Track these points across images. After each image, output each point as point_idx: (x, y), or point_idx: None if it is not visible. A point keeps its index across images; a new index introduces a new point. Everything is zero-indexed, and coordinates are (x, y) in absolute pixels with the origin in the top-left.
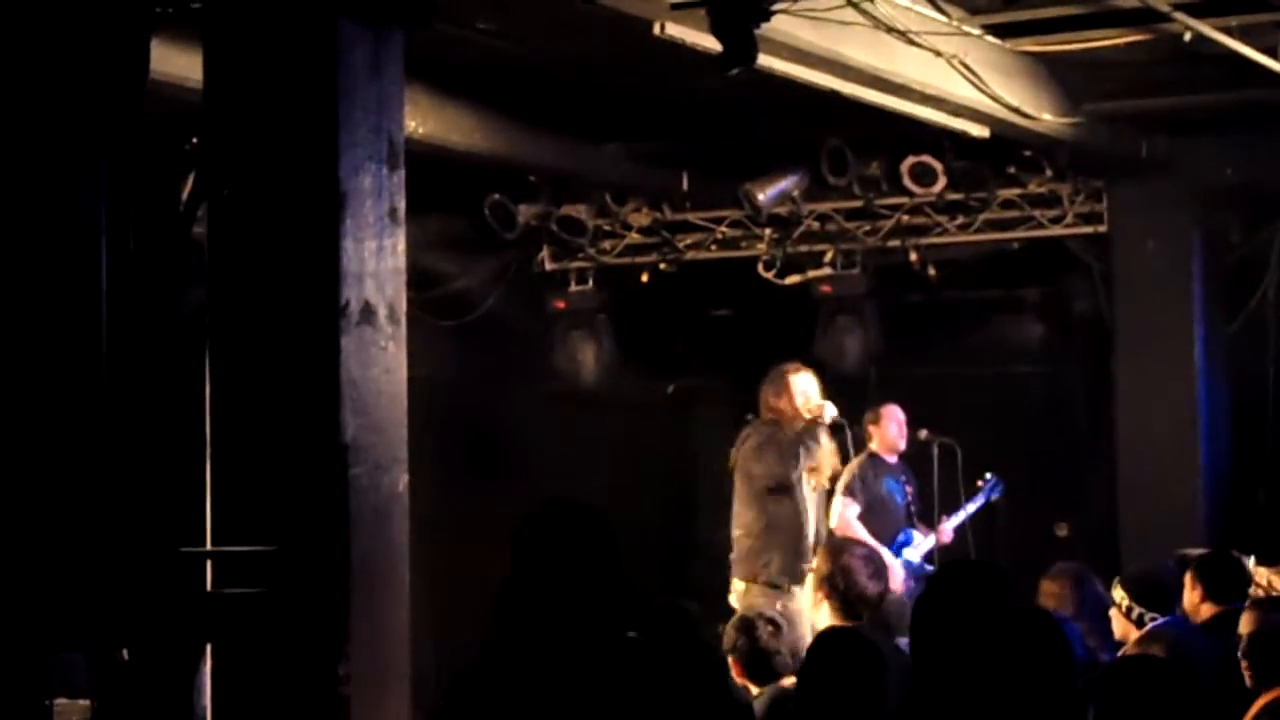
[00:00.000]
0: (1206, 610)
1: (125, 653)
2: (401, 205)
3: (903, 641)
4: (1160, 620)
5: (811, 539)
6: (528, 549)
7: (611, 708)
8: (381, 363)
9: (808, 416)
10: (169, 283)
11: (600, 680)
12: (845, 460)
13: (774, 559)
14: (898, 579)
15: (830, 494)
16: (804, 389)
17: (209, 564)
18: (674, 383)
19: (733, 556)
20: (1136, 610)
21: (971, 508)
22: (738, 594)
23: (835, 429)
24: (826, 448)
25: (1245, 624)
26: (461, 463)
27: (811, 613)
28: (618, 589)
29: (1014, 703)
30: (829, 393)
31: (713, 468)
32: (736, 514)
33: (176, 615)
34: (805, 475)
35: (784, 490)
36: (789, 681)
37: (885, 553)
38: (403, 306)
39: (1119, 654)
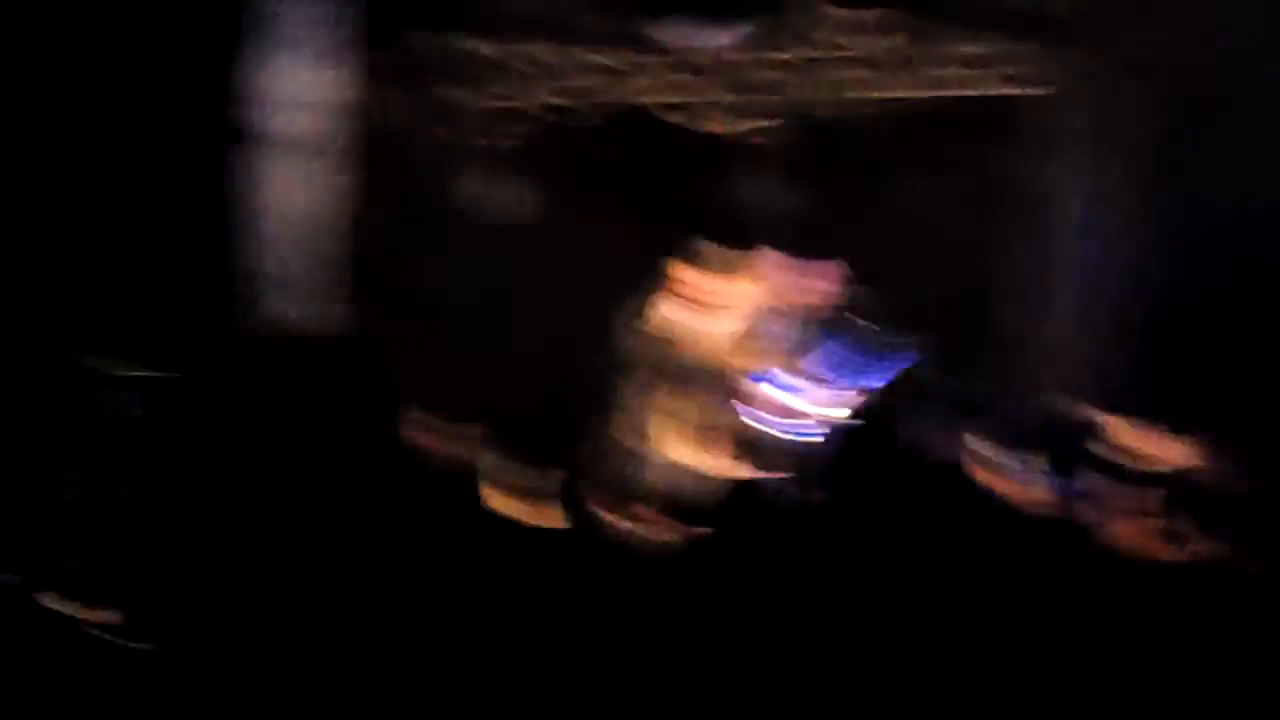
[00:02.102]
0: None
1: None
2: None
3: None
4: None
5: None
6: None
7: None
8: (303, 194)
9: None
10: None
11: None
12: None
13: None
14: (797, 420)
15: None
16: None
17: None
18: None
19: None
20: None
21: (879, 362)
22: None
23: None
24: None
25: None
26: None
27: (692, 461)
28: None
29: None
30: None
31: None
32: None
33: None
34: None
35: None
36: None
37: (781, 394)
38: (338, 138)
39: None
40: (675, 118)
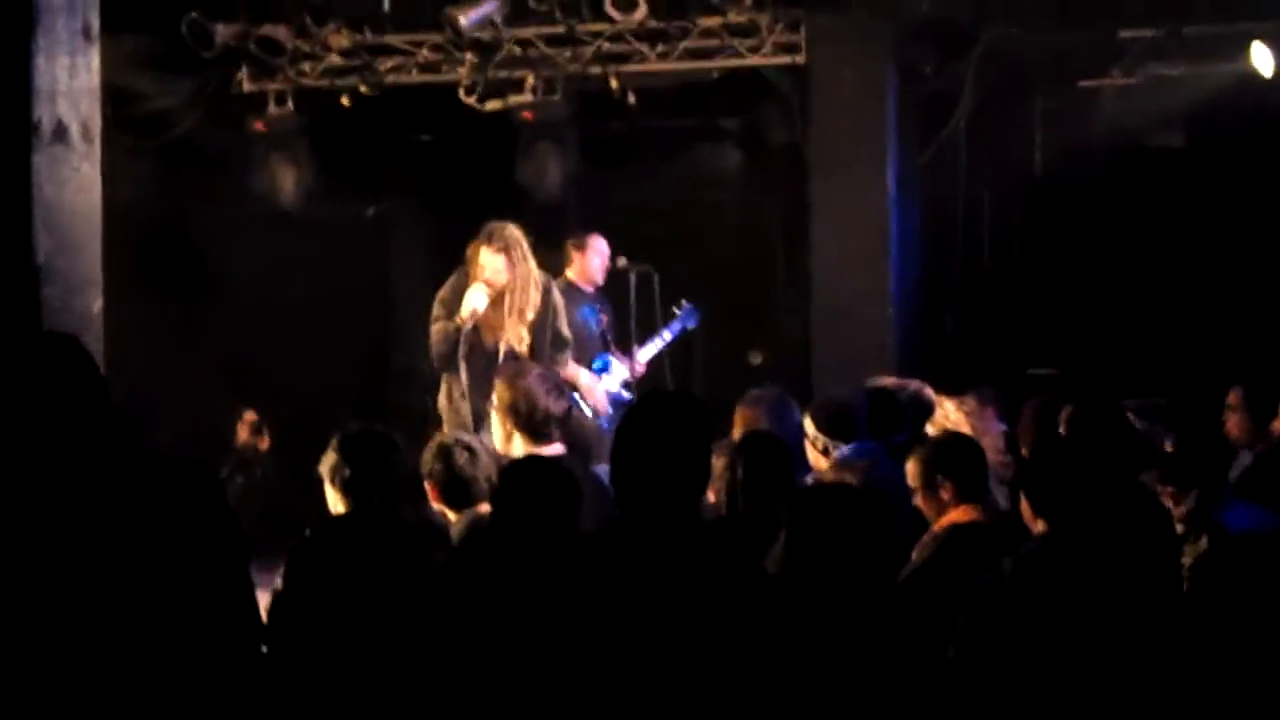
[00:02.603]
0: None
1: None
2: (96, 22)
3: (602, 470)
4: (845, 449)
5: None
6: None
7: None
8: (75, 182)
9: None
10: None
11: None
12: None
13: None
14: (600, 399)
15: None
16: (485, 263)
17: None
18: (374, 206)
19: None
20: (822, 440)
21: (668, 335)
22: None
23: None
24: None
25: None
26: (159, 284)
27: (503, 447)
28: None
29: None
30: (530, 219)
31: (409, 293)
32: None
33: None
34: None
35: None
36: (485, 508)
37: (586, 375)
38: (97, 125)
39: (809, 479)
40: (456, 96)
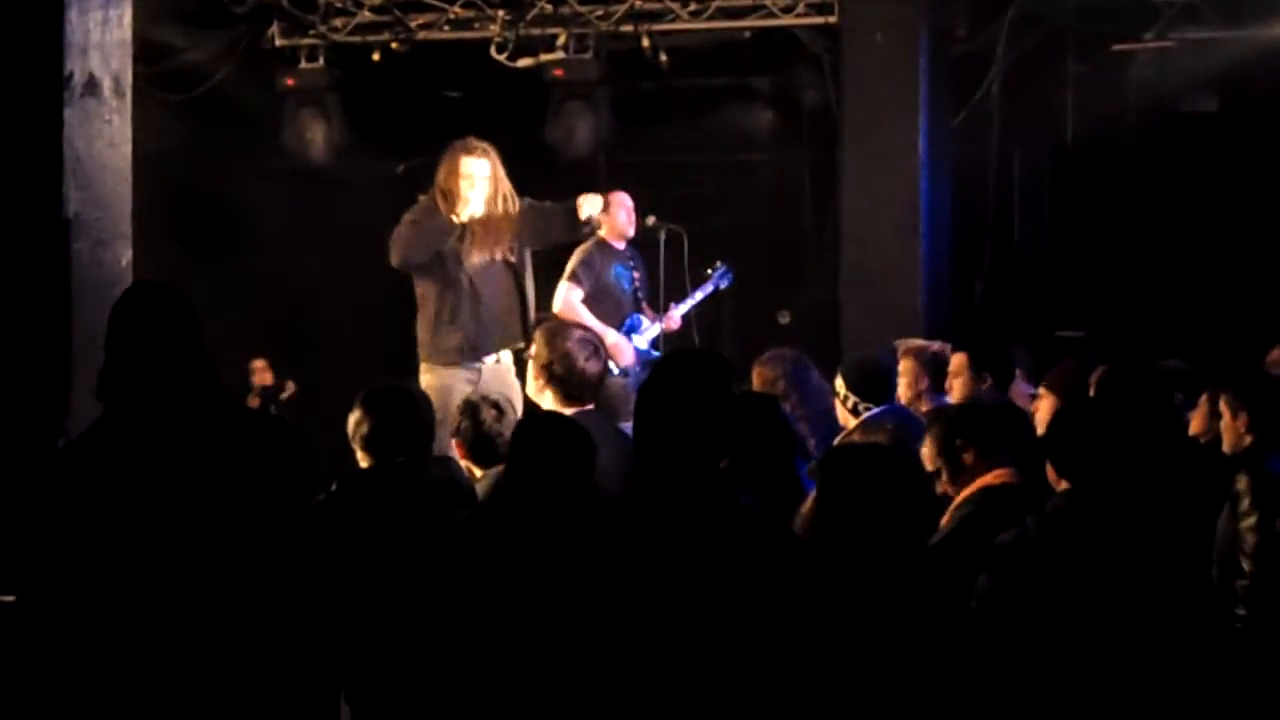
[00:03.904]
0: (929, 401)
1: None
2: None
3: (627, 426)
4: (875, 410)
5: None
6: None
7: None
8: (106, 136)
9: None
10: None
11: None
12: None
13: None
14: (628, 357)
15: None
16: (472, 173)
17: None
18: (404, 163)
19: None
20: (852, 399)
21: (700, 295)
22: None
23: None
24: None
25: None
26: (189, 239)
27: (536, 398)
28: None
29: (735, 483)
30: (560, 178)
31: None
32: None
33: None
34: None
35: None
36: None
37: (614, 334)
38: (129, 79)
39: (837, 440)
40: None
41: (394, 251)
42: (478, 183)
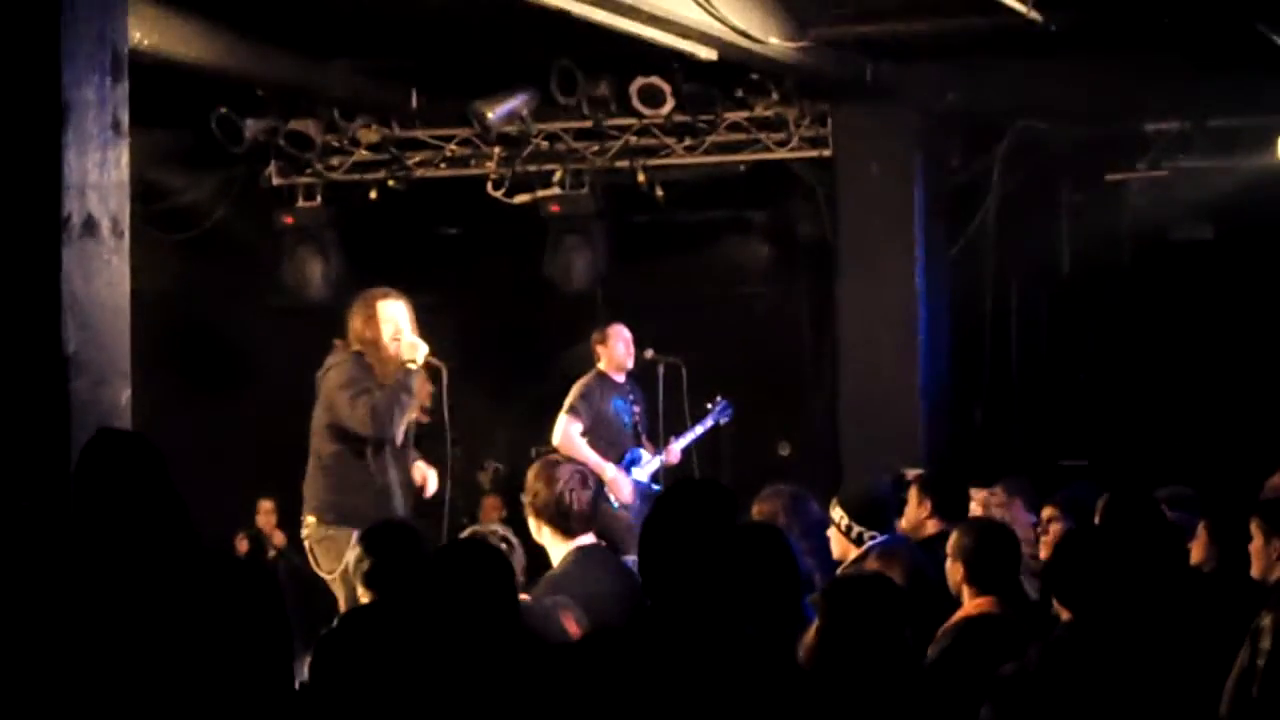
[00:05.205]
0: (932, 527)
1: None
2: (125, 117)
3: (631, 560)
4: (879, 538)
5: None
6: None
7: None
8: (104, 276)
9: (393, 351)
10: None
11: None
12: (438, 404)
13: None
14: (626, 493)
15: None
16: (393, 317)
17: None
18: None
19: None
20: (855, 529)
21: (700, 429)
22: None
23: (432, 372)
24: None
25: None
26: (187, 377)
27: (536, 536)
28: None
29: (741, 615)
30: (558, 312)
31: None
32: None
33: None
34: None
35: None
36: (523, 598)
37: (612, 469)
38: (126, 219)
39: (838, 571)
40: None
41: (371, 424)
42: (400, 324)
